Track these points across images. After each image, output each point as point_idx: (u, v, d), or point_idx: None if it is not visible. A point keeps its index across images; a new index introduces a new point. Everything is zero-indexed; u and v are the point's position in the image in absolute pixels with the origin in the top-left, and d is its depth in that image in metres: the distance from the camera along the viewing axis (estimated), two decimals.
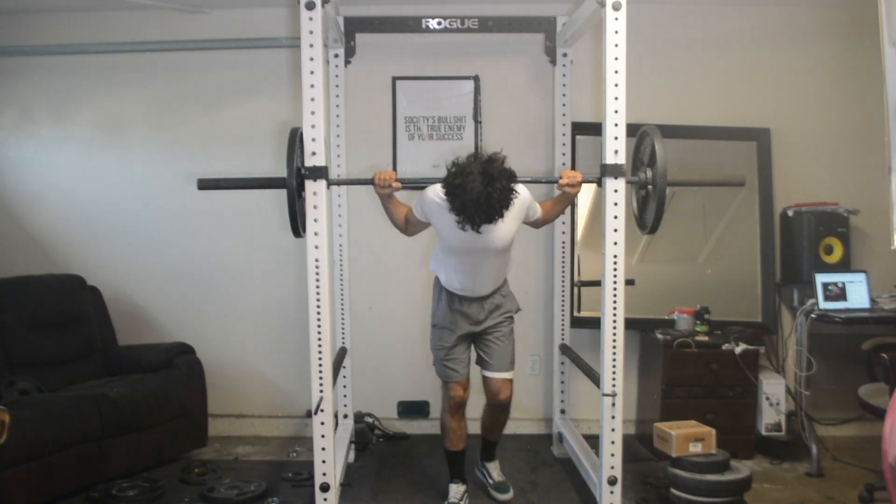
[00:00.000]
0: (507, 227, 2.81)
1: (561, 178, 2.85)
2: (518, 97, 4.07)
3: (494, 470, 3.33)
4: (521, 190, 2.79)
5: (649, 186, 2.78)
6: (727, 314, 3.92)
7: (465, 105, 4.04)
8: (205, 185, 2.74)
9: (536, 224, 3.06)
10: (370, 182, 2.82)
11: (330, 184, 2.71)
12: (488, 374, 3.09)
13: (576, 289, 3.86)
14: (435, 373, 3.15)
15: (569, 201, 3.03)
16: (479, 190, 2.51)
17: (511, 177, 2.61)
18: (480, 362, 3.12)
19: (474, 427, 3.32)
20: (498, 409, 3.17)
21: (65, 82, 4.12)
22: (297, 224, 2.63)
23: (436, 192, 2.79)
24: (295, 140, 2.59)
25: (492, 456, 3.36)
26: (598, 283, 2.82)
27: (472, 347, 3.14)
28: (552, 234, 3.90)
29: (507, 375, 3.08)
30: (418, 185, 2.95)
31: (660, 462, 3.46)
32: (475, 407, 3.54)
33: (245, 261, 4.17)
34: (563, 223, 3.81)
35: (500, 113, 4.06)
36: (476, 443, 3.35)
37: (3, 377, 3.40)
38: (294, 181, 2.57)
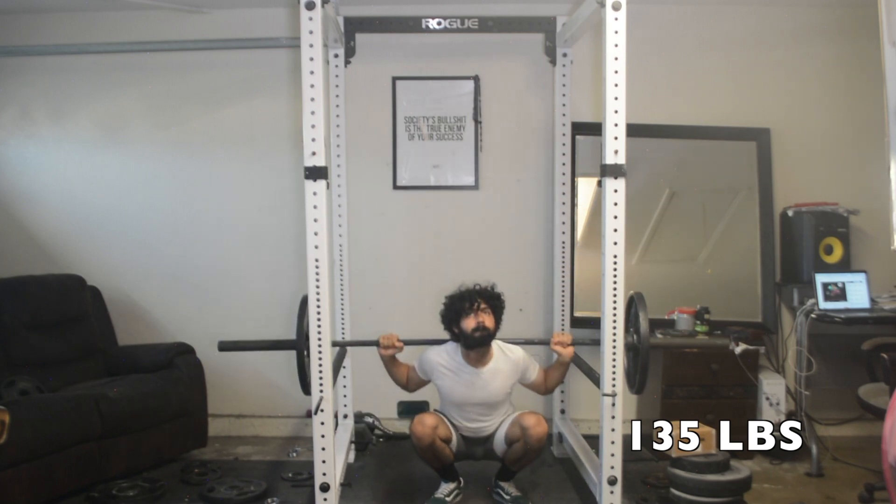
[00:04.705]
0: (501, 383, 3.07)
1: (553, 338, 3.07)
2: (518, 97, 4.06)
3: (511, 486, 3.20)
4: (517, 350, 3.12)
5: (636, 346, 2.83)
6: (727, 314, 3.91)
7: (465, 105, 4.04)
8: (224, 346, 2.98)
9: (538, 388, 3.21)
10: (375, 343, 3.07)
11: (335, 344, 2.89)
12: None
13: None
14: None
15: (565, 366, 3.14)
16: (470, 287, 3.06)
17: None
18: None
19: None
20: (530, 447, 3.01)
21: (65, 82, 4.12)
22: (307, 382, 2.77)
23: (436, 351, 3.12)
24: (305, 307, 2.74)
25: (508, 476, 3.23)
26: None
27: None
28: (552, 233, 3.89)
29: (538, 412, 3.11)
30: (421, 344, 3.19)
31: (660, 462, 3.46)
32: None
33: (245, 261, 4.17)
34: (563, 223, 3.81)
35: (500, 113, 4.06)
36: None
37: (3, 377, 3.39)
38: (303, 343, 2.77)
